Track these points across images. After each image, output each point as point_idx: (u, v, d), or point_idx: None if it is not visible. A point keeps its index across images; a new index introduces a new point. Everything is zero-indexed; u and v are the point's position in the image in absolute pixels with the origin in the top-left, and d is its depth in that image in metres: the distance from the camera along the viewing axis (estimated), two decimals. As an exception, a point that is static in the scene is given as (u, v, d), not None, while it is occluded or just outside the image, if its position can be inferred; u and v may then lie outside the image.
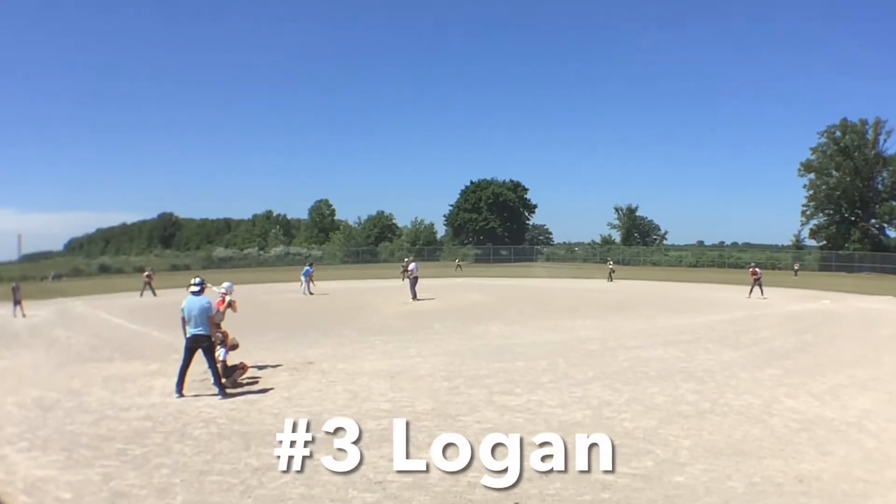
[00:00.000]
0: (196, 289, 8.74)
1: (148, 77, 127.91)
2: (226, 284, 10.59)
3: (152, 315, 20.29)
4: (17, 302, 21.96)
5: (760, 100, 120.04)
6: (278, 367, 10.29)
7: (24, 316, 21.27)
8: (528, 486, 5.08)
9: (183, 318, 8.60)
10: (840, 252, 57.01)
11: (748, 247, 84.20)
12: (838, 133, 59.53)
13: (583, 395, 8.32)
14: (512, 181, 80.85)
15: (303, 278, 28.05)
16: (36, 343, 14.68)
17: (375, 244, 76.66)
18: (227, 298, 10.10)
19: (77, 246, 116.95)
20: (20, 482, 5.30)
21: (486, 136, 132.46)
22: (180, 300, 8.84)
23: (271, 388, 8.84)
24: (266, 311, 20.53)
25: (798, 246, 65.53)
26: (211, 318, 8.61)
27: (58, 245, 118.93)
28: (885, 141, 58.76)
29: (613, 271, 37.55)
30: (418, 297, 23.29)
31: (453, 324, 16.54)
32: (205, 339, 8.52)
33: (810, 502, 4.79)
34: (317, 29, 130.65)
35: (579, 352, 11.81)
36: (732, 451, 5.94)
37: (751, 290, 24.93)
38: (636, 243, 76.92)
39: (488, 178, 79.89)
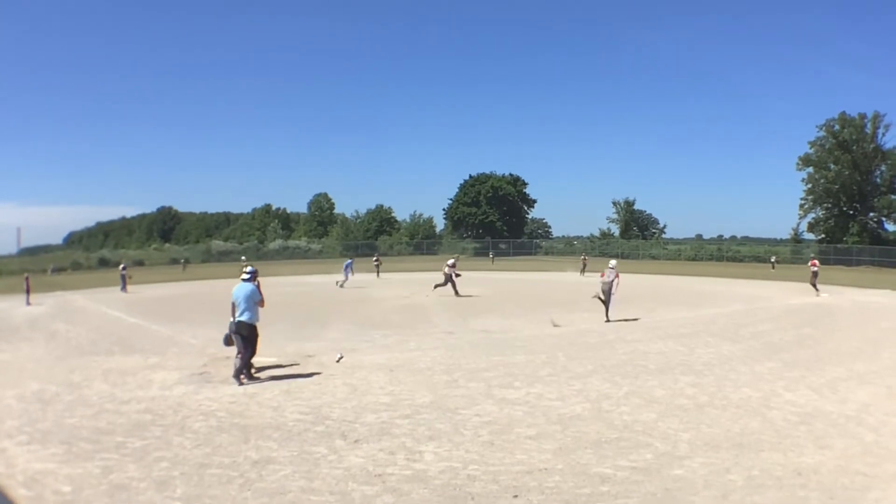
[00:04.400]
0: (247, 276, 9.10)
1: (148, 72, 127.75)
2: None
3: (152, 308, 20.28)
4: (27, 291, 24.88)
5: (759, 94, 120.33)
6: (278, 360, 10.29)
7: (28, 304, 23.47)
8: (528, 478, 5.09)
9: (233, 304, 8.88)
10: (838, 245, 57.07)
11: (747, 240, 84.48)
12: (837, 127, 59.44)
13: (582, 388, 8.33)
14: (511, 175, 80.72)
15: (344, 271, 28.77)
16: (36, 336, 14.67)
17: (374, 238, 76.57)
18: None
19: (76, 240, 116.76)
20: (20, 475, 5.29)
21: (485, 130, 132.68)
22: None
23: (271, 382, 8.85)
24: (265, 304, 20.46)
25: (796, 239, 65.57)
26: (258, 304, 8.94)
27: (57, 239, 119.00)
28: (883, 135, 58.83)
29: (586, 264, 36.92)
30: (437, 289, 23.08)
31: (452, 317, 16.54)
32: (246, 328, 8.76)
33: (809, 495, 4.80)
34: (316, 24, 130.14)
35: (578, 345, 11.82)
36: (731, 445, 5.95)
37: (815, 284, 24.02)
38: (635, 237, 76.90)
39: (487, 171, 79.87)
